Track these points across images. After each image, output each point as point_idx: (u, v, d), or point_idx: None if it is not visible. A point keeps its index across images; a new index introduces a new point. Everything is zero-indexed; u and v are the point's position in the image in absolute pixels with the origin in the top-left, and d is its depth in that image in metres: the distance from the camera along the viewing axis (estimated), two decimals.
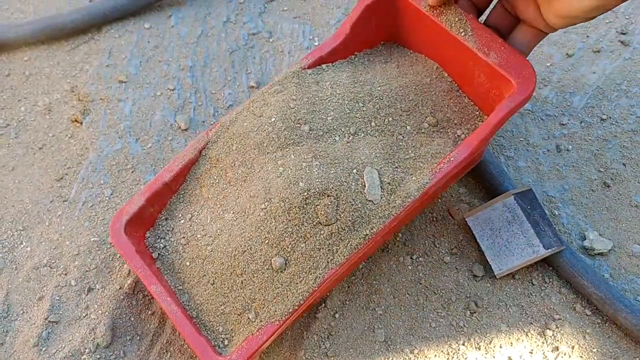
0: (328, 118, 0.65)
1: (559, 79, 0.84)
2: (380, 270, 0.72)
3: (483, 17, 0.68)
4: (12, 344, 0.68)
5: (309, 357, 0.67)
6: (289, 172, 0.61)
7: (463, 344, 0.67)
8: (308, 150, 0.62)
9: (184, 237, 0.65)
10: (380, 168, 0.62)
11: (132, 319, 0.69)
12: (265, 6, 0.91)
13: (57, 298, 0.70)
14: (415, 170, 0.62)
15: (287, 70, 0.69)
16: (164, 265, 0.64)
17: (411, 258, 0.72)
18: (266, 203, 0.60)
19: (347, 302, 0.70)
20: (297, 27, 0.90)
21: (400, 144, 0.65)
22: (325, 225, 0.59)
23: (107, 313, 0.68)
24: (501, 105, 0.60)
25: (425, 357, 0.67)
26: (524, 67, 0.60)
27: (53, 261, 0.72)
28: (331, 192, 0.59)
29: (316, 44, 0.88)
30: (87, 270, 0.71)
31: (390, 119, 0.66)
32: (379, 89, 0.67)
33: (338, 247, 0.59)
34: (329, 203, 0.59)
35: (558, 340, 0.67)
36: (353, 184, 0.60)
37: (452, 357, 0.67)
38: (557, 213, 0.75)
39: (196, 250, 0.64)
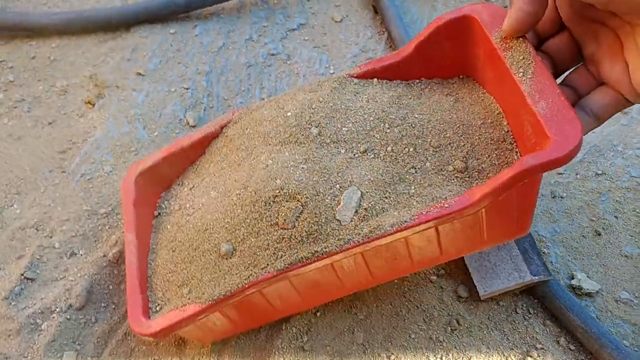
0: (343, 129, 0.62)
1: None
2: None
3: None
4: None
5: (285, 347, 0.65)
6: (274, 167, 0.59)
7: (441, 358, 0.66)
8: (304, 153, 0.60)
9: (179, 204, 0.65)
10: (367, 192, 0.57)
11: (111, 287, 0.68)
12: (287, 33, 0.96)
13: (38, 257, 0.69)
14: (402, 207, 0.56)
15: (336, 74, 0.67)
16: (157, 224, 0.66)
17: None
18: (242, 190, 0.60)
19: (329, 304, 0.69)
20: (315, 55, 0.94)
21: (407, 177, 0.58)
22: (281, 228, 0.56)
23: (85, 277, 0.67)
24: (521, 160, 0.50)
25: None
26: (571, 125, 0.50)
27: (40, 224, 0.72)
28: (301, 198, 0.56)
29: (332, 71, 0.92)
30: (73, 236, 0.71)
31: (412, 149, 0.59)
32: (416, 116, 0.61)
33: (283, 254, 0.56)
34: (293, 207, 0.56)
35: None
36: (329, 197, 0.56)
37: None
38: (546, 251, 0.75)
39: (179, 217, 0.64)
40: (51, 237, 0.70)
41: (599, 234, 0.77)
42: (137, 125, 0.81)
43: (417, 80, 0.66)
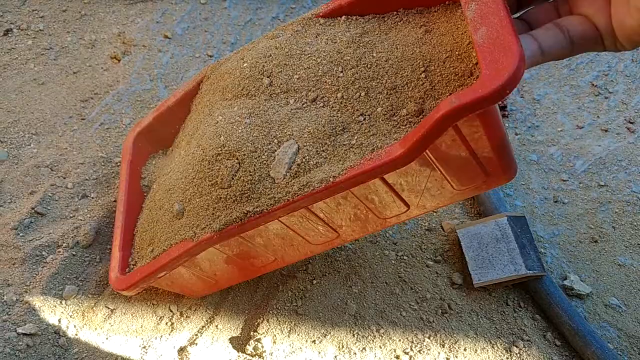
0: (294, 76, 0.57)
1: (566, 143, 0.89)
2: (364, 256, 0.73)
3: None
4: None
5: (279, 308, 0.66)
6: (221, 123, 0.57)
7: (428, 337, 0.67)
8: (251, 106, 0.57)
9: (165, 164, 0.67)
10: (304, 146, 0.53)
11: None
12: None
13: (50, 195, 0.70)
14: (337, 161, 0.52)
15: (303, 15, 0.62)
16: (150, 184, 0.67)
17: (396, 254, 0.74)
18: (196, 149, 0.58)
19: (326, 274, 0.70)
20: None
21: (352, 126, 0.53)
22: (220, 188, 0.55)
23: (95, 218, 0.69)
24: (445, 101, 0.43)
25: (390, 338, 0.66)
26: (507, 55, 0.41)
27: (55, 165, 0.73)
28: (239, 155, 0.54)
29: None
30: (86, 179, 0.72)
31: (363, 94, 0.54)
32: (374, 55, 0.55)
33: (220, 215, 0.54)
34: (231, 166, 0.54)
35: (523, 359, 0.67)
36: (265, 154, 0.53)
37: (415, 346, 0.66)
38: (542, 251, 0.77)
39: (159, 177, 0.66)
40: (65, 177, 0.72)
41: (596, 241, 0.79)
42: (159, 83, 0.83)
43: (395, 12, 0.58)
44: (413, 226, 0.77)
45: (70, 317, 0.63)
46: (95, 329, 0.63)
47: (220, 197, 0.54)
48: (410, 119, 0.51)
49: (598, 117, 0.93)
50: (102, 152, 0.75)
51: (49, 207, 0.69)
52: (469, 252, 0.73)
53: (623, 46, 0.43)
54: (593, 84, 0.96)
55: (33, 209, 0.68)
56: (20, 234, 0.66)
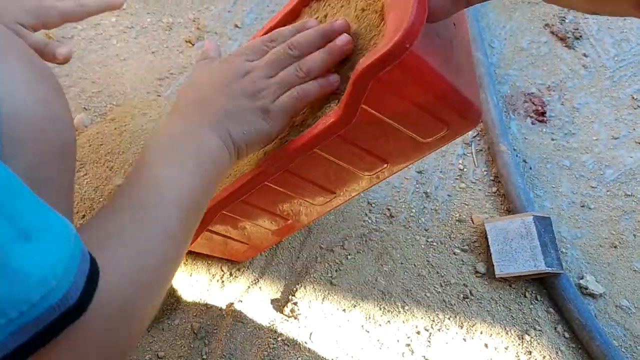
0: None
1: (599, 152, 0.94)
2: (396, 239, 0.80)
3: None
4: None
5: (316, 277, 0.75)
6: None
7: (448, 318, 0.75)
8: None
9: None
10: None
11: None
12: None
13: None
14: (297, 132, 0.55)
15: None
16: None
17: (427, 240, 0.81)
18: None
19: (361, 251, 0.78)
20: None
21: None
22: None
23: None
24: (359, 63, 0.45)
25: (413, 315, 0.74)
26: (405, 11, 0.43)
27: None
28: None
29: None
30: None
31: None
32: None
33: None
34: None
35: (533, 347, 0.74)
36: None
37: (436, 325, 0.74)
38: (564, 251, 0.83)
39: None
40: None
41: (615, 247, 0.85)
42: None
43: None
44: (445, 216, 0.84)
45: None
46: None
47: None
48: None
49: (634, 129, 0.98)
50: None
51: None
52: (494, 245, 0.80)
53: None
54: (633, 97, 1.01)
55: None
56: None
